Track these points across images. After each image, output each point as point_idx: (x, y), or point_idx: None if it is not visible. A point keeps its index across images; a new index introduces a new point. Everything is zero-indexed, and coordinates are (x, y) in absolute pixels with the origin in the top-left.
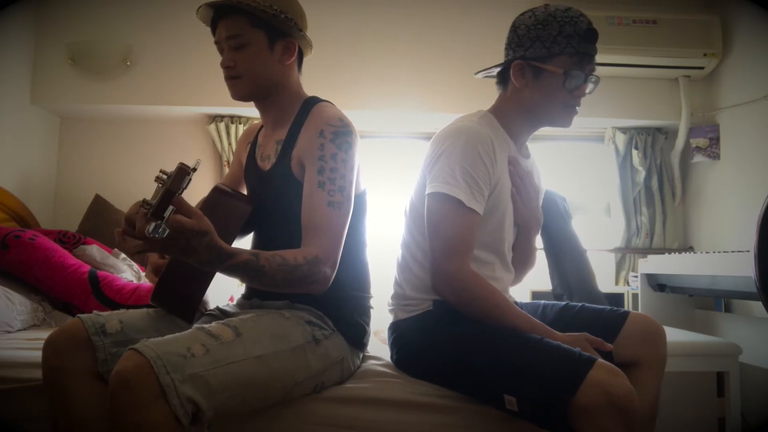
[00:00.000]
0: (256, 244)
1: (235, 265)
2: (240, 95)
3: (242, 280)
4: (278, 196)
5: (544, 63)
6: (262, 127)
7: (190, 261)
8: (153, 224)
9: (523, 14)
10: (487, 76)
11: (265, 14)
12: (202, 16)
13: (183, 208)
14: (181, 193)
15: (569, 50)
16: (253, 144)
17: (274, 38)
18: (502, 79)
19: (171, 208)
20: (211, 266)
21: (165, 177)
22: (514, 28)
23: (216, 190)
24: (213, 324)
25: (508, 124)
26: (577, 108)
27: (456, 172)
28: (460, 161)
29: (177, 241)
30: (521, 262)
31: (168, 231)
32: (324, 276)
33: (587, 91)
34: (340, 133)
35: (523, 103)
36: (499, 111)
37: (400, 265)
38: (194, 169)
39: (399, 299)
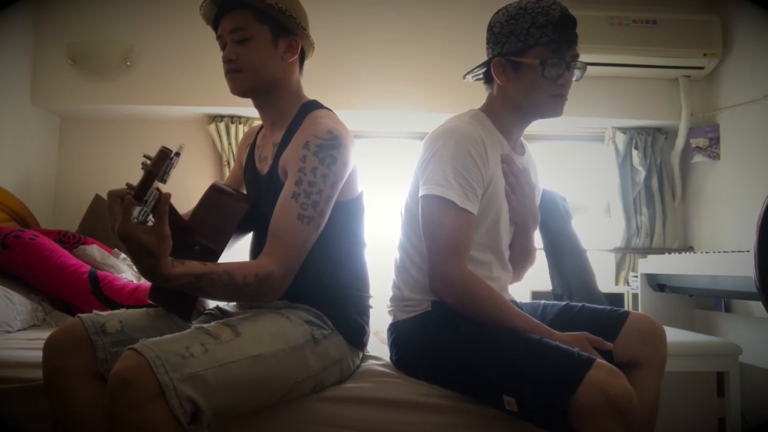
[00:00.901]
0: (255, 245)
1: (174, 287)
2: (239, 90)
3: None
4: (273, 199)
5: (520, 56)
6: (261, 128)
7: (131, 262)
8: (137, 209)
9: (497, 12)
10: (476, 79)
11: (271, 9)
12: (204, 14)
13: (158, 221)
14: (165, 176)
15: (544, 40)
16: (252, 145)
17: (278, 35)
18: (488, 78)
19: (154, 192)
20: (146, 279)
21: (147, 161)
22: (490, 27)
23: (213, 188)
24: (212, 323)
25: (500, 121)
26: (565, 96)
27: (448, 174)
28: (451, 162)
29: (126, 243)
30: (520, 259)
31: (150, 216)
32: (276, 291)
33: (574, 78)
34: (326, 146)
35: (509, 99)
36: (489, 109)
37: (398, 267)
38: (177, 153)
39: (397, 301)
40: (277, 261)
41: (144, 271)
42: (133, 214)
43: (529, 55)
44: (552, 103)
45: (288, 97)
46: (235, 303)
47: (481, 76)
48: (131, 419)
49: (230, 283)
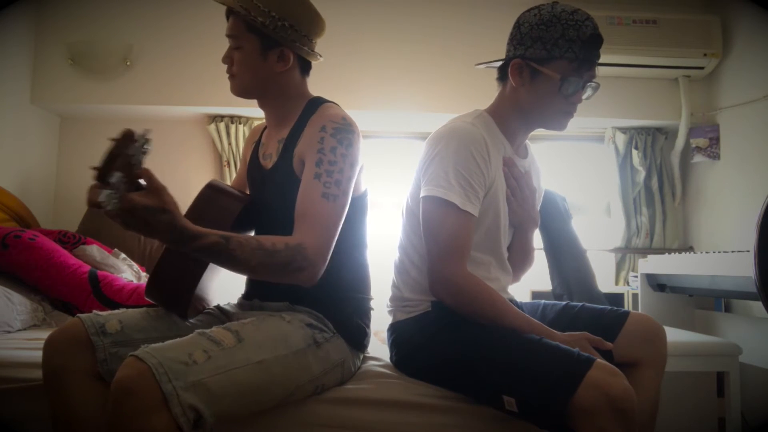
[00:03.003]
0: None
1: (201, 248)
2: (235, 92)
3: (219, 265)
4: (279, 194)
5: (542, 65)
6: (266, 127)
7: (154, 239)
8: (104, 192)
9: (529, 10)
10: (489, 67)
11: (255, 22)
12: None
13: (146, 180)
14: (135, 161)
15: (569, 55)
16: (257, 143)
17: (268, 46)
18: (502, 75)
19: (118, 174)
20: (175, 246)
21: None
22: (518, 25)
23: (208, 186)
24: (214, 329)
25: (505, 124)
26: (573, 113)
27: (449, 175)
28: (453, 163)
29: (132, 217)
30: (519, 261)
31: (119, 203)
32: (310, 264)
33: (584, 97)
34: (342, 129)
35: (518, 103)
36: (495, 111)
37: (397, 268)
38: (143, 136)
39: (397, 301)
40: (307, 235)
41: (166, 233)
42: (99, 197)
43: (551, 66)
44: (560, 119)
45: (291, 96)
46: (236, 303)
47: (495, 67)
48: (134, 427)
49: (259, 248)
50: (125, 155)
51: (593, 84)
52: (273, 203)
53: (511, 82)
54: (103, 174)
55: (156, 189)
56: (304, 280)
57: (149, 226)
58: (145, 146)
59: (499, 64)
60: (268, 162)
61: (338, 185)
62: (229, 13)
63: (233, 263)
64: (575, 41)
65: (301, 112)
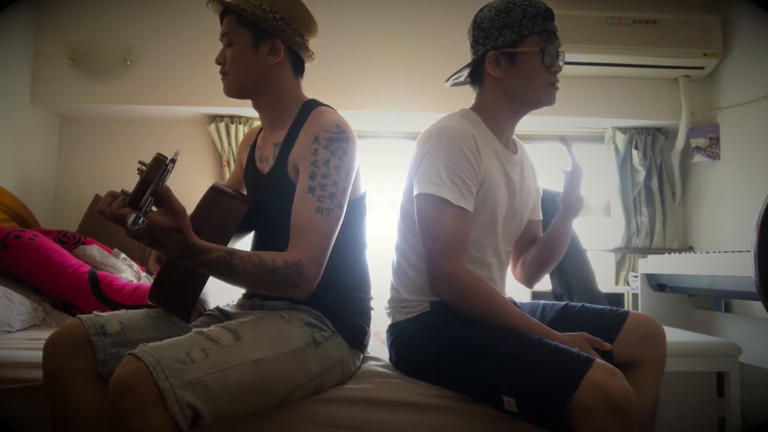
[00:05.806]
0: (256, 245)
1: (206, 263)
2: (227, 92)
3: (219, 278)
4: (276, 198)
5: (517, 47)
6: (261, 130)
7: (161, 253)
8: (132, 216)
9: (481, 10)
10: (456, 83)
11: (245, 13)
12: (214, 9)
13: (166, 201)
14: (161, 183)
15: (537, 29)
16: (253, 146)
17: (259, 38)
18: (476, 78)
19: (149, 198)
20: (181, 261)
21: (143, 168)
22: (477, 24)
23: (213, 189)
24: (212, 327)
25: (491, 119)
26: (557, 84)
27: (441, 172)
28: (444, 160)
29: (149, 235)
30: (548, 255)
31: (144, 221)
32: (306, 281)
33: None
34: (335, 139)
35: (505, 92)
36: (481, 108)
37: (395, 270)
38: (172, 160)
39: (395, 302)
40: (304, 251)
41: (175, 250)
42: (128, 221)
43: (526, 44)
44: (549, 91)
45: (285, 97)
46: (236, 303)
47: (462, 78)
48: (132, 426)
49: (260, 264)
50: (156, 179)
51: (561, 53)
52: (272, 206)
53: (491, 77)
54: (135, 201)
55: (176, 212)
56: (299, 295)
57: (160, 243)
58: (172, 167)
59: (467, 70)
60: (265, 166)
61: (332, 198)
62: (223, 15)
63: (234, 278)
64: (537, 16)
65: (296, 115)
